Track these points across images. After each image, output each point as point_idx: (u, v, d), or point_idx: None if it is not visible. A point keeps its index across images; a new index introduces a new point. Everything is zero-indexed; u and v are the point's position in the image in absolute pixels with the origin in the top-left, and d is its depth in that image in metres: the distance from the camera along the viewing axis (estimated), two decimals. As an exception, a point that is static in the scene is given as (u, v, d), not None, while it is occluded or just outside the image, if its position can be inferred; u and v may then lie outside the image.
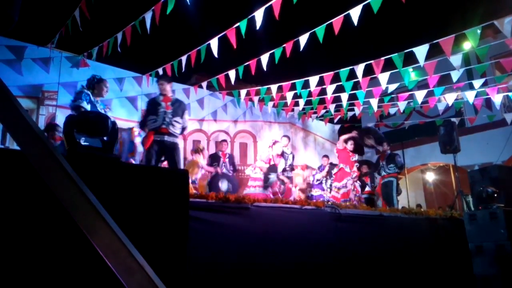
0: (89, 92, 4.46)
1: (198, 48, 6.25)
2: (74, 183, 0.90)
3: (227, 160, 7.46)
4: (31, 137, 0.89)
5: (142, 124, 5.17)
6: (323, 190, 8.33)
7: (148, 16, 5.52)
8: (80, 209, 0.89)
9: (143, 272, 0.87)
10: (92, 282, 1.15)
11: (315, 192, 8.23)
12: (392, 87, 7.05)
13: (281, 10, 4.91)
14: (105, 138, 4.00)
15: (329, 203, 5.27)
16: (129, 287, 0.84)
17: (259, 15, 5.14)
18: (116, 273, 0.85)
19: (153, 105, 5.06)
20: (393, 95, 7.86)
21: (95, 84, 4.61)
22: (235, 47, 5.60)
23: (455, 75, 6.26)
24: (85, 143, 3.72)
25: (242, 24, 5.40)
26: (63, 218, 0.96)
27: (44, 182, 0.91)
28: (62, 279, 1.15)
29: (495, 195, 5.21)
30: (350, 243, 4.71)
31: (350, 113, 9.42)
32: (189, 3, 5.02)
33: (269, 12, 5.09)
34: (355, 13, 4.77)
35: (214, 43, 5.89)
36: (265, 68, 6.20)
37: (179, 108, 5.18)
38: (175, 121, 5.01)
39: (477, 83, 6.90)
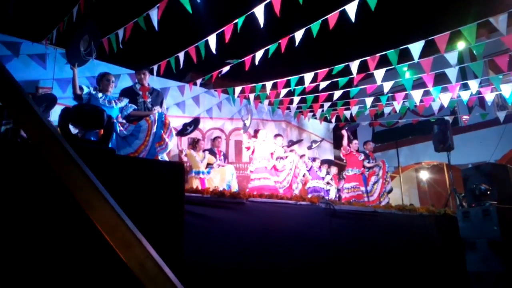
0: (90, 90, 4.42)
1: (195, 45, 6.25)
2: (71, 159, 0.91)
3: (222, 156, 7.51)
4: (28, 113, 0.90)
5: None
6: (322, 178, 8.40)
7: (153, 13, 5.48)
8: (78, 184, 0.89)
9: (142, 246, 0.88)
10: (90, 258, 1.16)
11: (316, 183, 8.29)
12: (388, 85, 7.09)
13: (276, 7, 4.91)
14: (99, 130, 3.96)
15: (324, 198, 5.30)
16: (128, 261, 0.85)
17: (259, 12, 5.12)
18: (114, 248, 0.86)
19: (130, 95, 4.89)
20: (389, 95, 7.90)
21: (99, 81, 4.57)
22: (226, 41, 5.60)
23: (451, 74, 6.29)
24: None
25: (240, 20, 5.39)
26: (62, 194, 0.97)
27: (43, 158, 0.91)
28: (60, 255, 1.15)
29: (488, 192, 5.26)
30: (344, 238, 4.75)
31: (346, 112, 9.45)
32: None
33: (266, 9, 5.08)
34: (351, 9, 4.79)
35: (211, 40, 5.88)
36: (262, 64, 6.21)
37: (157, 97, 5.09)
38: (155, 110, 4.86)
39: (472, 83, 6.96)
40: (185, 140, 7.94)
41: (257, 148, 6.90)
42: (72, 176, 0.90)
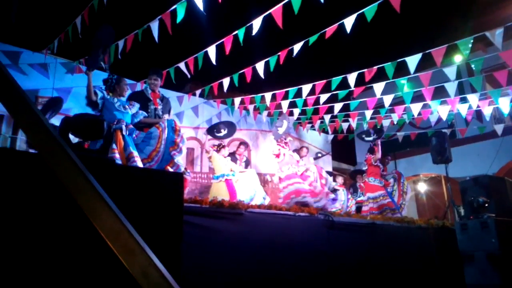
0: (104, 95, 4.39)
1: (194, 56, 6.29)
2: (76, 166, 0.92)
3: (243, 163, 7.40)
4: (34, 122, 0.91)
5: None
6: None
7: (154, 25, 5.50)
8: (82, 191, 0.90)
9: (145, 254, 0.89)
10: (93, 265, 1.16)
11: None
12: (388, 98, 7.15)
13: (277, 19, 4.96)
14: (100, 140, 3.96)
15: (323, 210, 5.31)
16: (131, 268, 0.86)
17: (257, 24, 5.17)
18: (117, 255, 0.87)
19: (142, 100, 4.84)
20: (389, 107, 7.92)
21: (115, 85, 4.50)
22: (227, 53, 5.63)
23: (450, 88, 6.35)
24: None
25: (240, 32, 5.43)
26: (66, 202, 0.97)
27: (48, 166, 0.93)
28: (62, 261, 1.16)
29: (486, 204, 5.27)
30: (343, 250, 4.74)
31: (344, 124, 9.50)
32: (203, 11, 4.90)
33: (266, 20, 5.14)
34: (349, 22, 4.86)
35: (211, 51, 5.93)
36: (262, 76, 6.24)
37: (166, 105, 5.08)
38: (165, 117, 4.86)
39: (472, 97, 7.03)
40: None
41: (287, 156, 6.87)
42: (75, 183, 0.91)
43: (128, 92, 4.66)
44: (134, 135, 4.29)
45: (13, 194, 1.15)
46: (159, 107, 4.93)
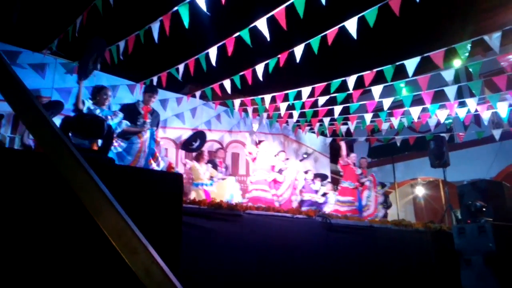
0: (89, 105, 4.46)
1: (195, 57, 6.29)
2: (80, 165, 0.93)
3: (223, 169, 7.49)
4: (39, 120, 0.92)
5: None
6: (315, 192, 8.40)
7: (155, 26, 5.52)
8: (86, 189, 0.91)
9: (147, 252, 0.89)
10: (96, 263, 1.16)
11: (309, 196, 8.26)
12: (387, 102, 7.17)
13: (281, 21, 4.94)
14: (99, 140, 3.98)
15: (321, 212, 5.32)
16: (134, 266, 0.87)
17: (262, 25, 5.15)
18: (120, 253, 0.88)
19: (133, 112, 4.96)
20: (388, 111, 7.95)
21: (96, 94, 4.60)
22: (229, 54, 5.64)
23: (449, 92, 6.37)
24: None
25: (244, 34, 5.40)
26: (70, 201, 0.98)
27: (52, 164, 0.93)
28: (66, 259, 1.16)
29: (484, 209, 5.29)
30: (341, 252, 4.75)
31: (343, 127, 9.50)
32: (207, 12, 4.92)
33: (267, 23, 5.13)
34: (351, 25, 4.85)
35: (212, 52, 5.93)
36: (260, 78, 6.25)
37: (155, 119, 5.22)
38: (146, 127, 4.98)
39: (470, 101, 7.05)
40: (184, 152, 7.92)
41: (259, 158, 6.93)
42: (79, 181, 0.92)
43: (109, 102, 4.73)
44: (115, 144, 4.35)
45: (17, 193, 1.16)
46: (148, 120, 5.06)
